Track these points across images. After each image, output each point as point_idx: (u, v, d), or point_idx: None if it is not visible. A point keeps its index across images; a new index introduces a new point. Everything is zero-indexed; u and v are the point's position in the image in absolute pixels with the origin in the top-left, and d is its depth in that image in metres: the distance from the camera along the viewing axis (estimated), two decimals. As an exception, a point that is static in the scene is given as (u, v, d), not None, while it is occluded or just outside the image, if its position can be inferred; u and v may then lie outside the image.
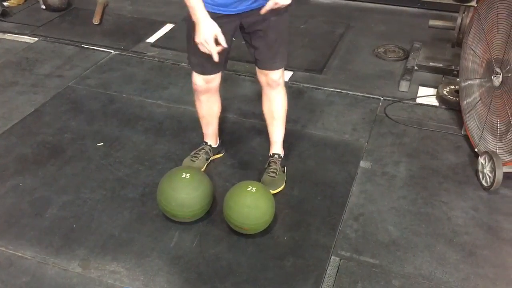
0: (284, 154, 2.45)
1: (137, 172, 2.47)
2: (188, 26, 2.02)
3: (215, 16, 1.89)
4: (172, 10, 4.19)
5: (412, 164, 2.51)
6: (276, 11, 1.90)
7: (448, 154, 2.58)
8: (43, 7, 4.18)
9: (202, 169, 2.43)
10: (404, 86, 3.09)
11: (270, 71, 2.17)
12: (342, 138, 2.71)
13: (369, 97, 3.06)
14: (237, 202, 2.05)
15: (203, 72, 2.14)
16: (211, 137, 2.50)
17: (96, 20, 3.98)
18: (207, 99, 2.30)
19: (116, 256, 2.02)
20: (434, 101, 3.00)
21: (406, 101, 3.01)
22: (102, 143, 2.66)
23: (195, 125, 2.61)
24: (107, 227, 2.16)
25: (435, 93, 3.03)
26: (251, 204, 2.03)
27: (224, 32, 1.95)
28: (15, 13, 4.15)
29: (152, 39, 3.77)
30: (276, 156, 2.41)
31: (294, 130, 2.74)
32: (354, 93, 3.10)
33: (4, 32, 3.85)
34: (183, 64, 3.39)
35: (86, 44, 3.69)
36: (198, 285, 1.90)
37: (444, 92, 2.97)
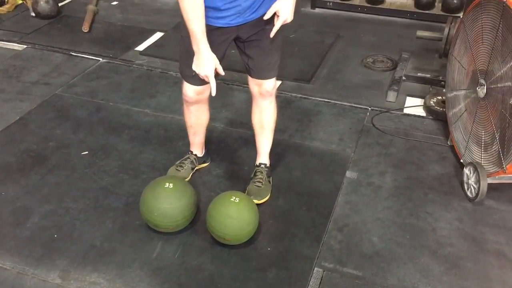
0: (270, 164, 2.44)
1: (121, 181, 2.45)
2: (184, 37, 1.98)
3: (212, 28, 1.88)
4: (162, 18, 4.19)
5: (398, 175, 2.51)
6: (272, 21, 1.90)
7: (434, 164, 2.57)
8: (33, 14, 4.17)
9: (187, 179, 2.42)
10: (391, 96, 3.10)
11: (263, 81, 2.15)
12: (329, 148, 2.70)
13: (356, 107, 3.06)
14: (220, 213, 2.03)
15: (196, 83, 2.12)
16: (198, 147, 2.48)
17: (85, 28, 3.97)
18: (197, 109, 2.29)
19: (97, 267, 1.99)
20: (421, 112, 3.00)
21: (393, 111, 3.01)
22: (86, 152, 2.64)
23: (182, 134, 2.60)
24: (89, 237, 2.13)
25: (423, 104, 3.04)
26: (234, 215, 2.01)
27: (219, 44, 1.95)
28: (4, 20, 4.14)
29: (141, 47, 3.76)
30: (262, 166, 2.40)
31: (281, 139, 2.73)
32: (341, 103, 3.10)
33: (-8, 39, 3.84)
34: (171, 72, 3.38)
35: (75, 51, 3.67)
36: (179, 296, 1.88)
37: (431, 102, 2.97)
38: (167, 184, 2.08)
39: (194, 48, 1.83)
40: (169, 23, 3.99)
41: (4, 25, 4.07)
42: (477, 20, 2.32)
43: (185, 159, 2.47)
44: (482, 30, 2.29)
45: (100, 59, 3.58)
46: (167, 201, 2.05)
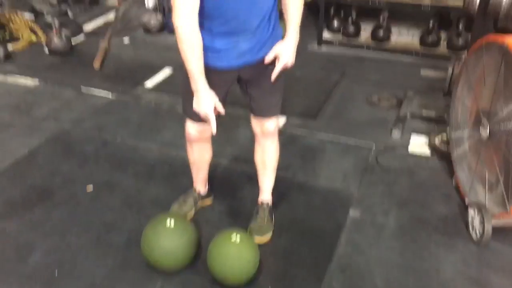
0: (273, 202, 2.44)
1: (124, 217, 2.45)
2: (185, 76, 2.02)
3: (212, 69, 1.91)
4: (171, 55, 4.29)
5: (402, 215, 2.48)
6: (273, 62, 1.94)
7: (438, 204, 2.55)
8: (47, 51, 4.29)
9: (190, 215, 2.42)
10: (396, 134, 3.10)
11: (265, 120, 2.17)
12: (332, 186, 2.70)
13: (361, 144, 3.07)
14: (220, 254, 2.02)
15: (197, 121, 2.13)
16: (201, 183, 2.49)
17: (96, 64, 4.07)
18: (199, 147, 2.31)
19: (96, 305, 1.98)
20: (426, 150, 2.99)
21: (398, 150, 3.01)
22: (91, 186, 2.66)
23: (186, 170, 2.61)
24: (89, 274, 2.13)
25: (427, 142, 3.03)
26: (235, 256, 2.00)
27: (220, 84, 1.98)
28: (19, 56, 4.26)
29: (150, 83, 3.83)
30: (264, 204, 2.40)
31: (284, 177, 2.73)
32: (346, 140, 3.11)
33: (7, 74, 3.94)
34: (178, 108, 3.43)
35: (86, 87, 3.75)
36: (177, 337, 1.85)
37: (436, 141, 2.97)
38: (168, 222, 2.08)
39: (193, 87, 1.87)
40: (178, 60, 4.06)
41: (19, 61, 4.18)
42: (479, 62, 2.34)
43: (188, 196, 2.48)
44: (484, 72, 2.30)
45: (110, 95, 3.66)
46: (168, 239, 2.04)
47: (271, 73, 1.98)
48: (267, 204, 2.39)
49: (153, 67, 4.08)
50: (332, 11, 4.50)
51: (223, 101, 2.08)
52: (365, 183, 2.72)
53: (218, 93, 1.93)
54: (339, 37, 4.46)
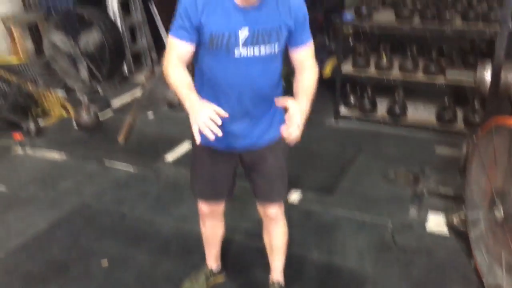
0: (285, 280, 2.41)
1: (137, 294, 2.46)
2: (193, 153, 2.12)
3: (215, 151, 1.98)
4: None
5: (418, 297, 2.42)
6: (274, 149, 1.97)
7: (456, 286, 2.47)
8: (75, 126, 4.50)
9: None
10: (413, 211, 3.08)
11: (267, 205, 2.18)
12: (347, 265, 2.66)
13: (377, 222, 3.04)
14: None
15: (206, 199, 2.20)
16: (213, 260, 2.50)
17: (121, 139, 4.24)
18: (212, 223, 2.34)
19: None
20: (444, 229, 2.94)
21: (415, 228, 2.97)
22: (106, 260, 2.69)
23: (200, 245, 2.62)
24: None
25: (445, 221, 2.99)
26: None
27: (225, 168, 2.04)
28: (49, 131, 4.47)
29: (170, 157, 3.95)
30: (275, 283, 2.38)
31: (298, 254, 2.71)
32: (362, 217, 3.09)
33: (36, 149, 4.12)
34: (196, 183, 3.50)
35: (109, 161, 3.89)
36: None
37: (454, 220, 2.92)
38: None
39: (187, 105, 1.70)
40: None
41: (49, 136, 4.39)
42: (490, 143, 2.36)
43: (200, 273, 2.48)
44: (495, 153, 2.32)
45: (131, 168, 3.77)
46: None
47: (273, 159, 2.00)
48: (278, 283, 2.37)
49: (174, 141, 4.21)
50: (348, 87, 4.62)
51: (231, 185, 2.13)
52: (381, 263, 2.67)
53: (222, 175, 1.98)
54: (355, 112, 4.55)
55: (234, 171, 2.13)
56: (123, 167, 3.80)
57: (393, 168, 3.67)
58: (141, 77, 5.66)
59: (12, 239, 2.93)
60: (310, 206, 3.22)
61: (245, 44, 1.77)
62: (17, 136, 4.26)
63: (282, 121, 1.79)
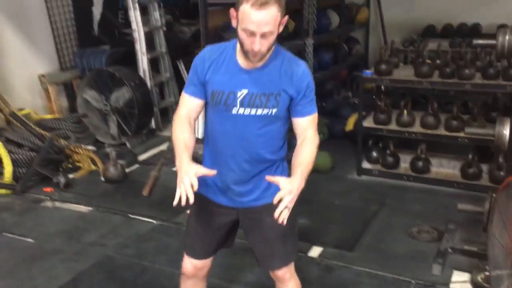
0: None
1: None
2: (191, 207, 2.09)
3: (212, 203, 2.03)
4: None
5: None
6: (271, 212, 1.78)
7: None
8: (103, 179, 4.64)
9: None
10: (436, 269, 3.01)
11: (271, 271, 2.14)
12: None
13: (399, 279, 2.98)
14: None
15: (194, 255, 2.19)
16: None
17: (145, 192, 4.33)
18: (192, 286, 2.28)
19: None
20: (469, 288, 2.87)
21: (438, 286, 2.89)
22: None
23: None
24: None
25: (470, 279, 2.91)
26: None
27: (219, 223, 2.06)
28: (77, 184, 4.61)
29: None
30: None
31: (317, 312, 2.67)
32: (384, 274, 3.04)
33: (64, 202, 4.25)
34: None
35: (133, 214, 3.97)
36: None
37: (479, 278, 2.85)
38: None
39: (177, 164, 1.81)
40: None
41: (77, 188, 4.52)
42: (510, 201, 2.33)
43: None
44: (515, 209, 2.28)
45: (154, 221, 3.84)
46: None
47: (271, 220, 1.78)
48: None
49: (198, 195, 4.28)
50: (370, 142, 4.65)
51: (222, 242, 2.14)
52: (403, 322, 2.60)
53: (215, 228, 2.05)
54: (378, 166, 4.55)
55: (229, 228, 2.12)
56: (146, 220, 3.87)
57: (416, 224, 3.62)
58: (167, 132, 5.85)
59: (35, 291, 2.99)
60: (330, 262, 3.19)
61: (242, 104, 1.87)
62: (47, 189, 4.41)
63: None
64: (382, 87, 4.54)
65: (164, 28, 6.37)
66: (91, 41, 6.26)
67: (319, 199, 4.11)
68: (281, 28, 1.83)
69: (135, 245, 3.50)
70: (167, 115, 6.39)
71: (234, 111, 1.88)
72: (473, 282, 2.86)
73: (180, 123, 1.93)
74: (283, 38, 5.90)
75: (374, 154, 4.62)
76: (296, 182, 1.79)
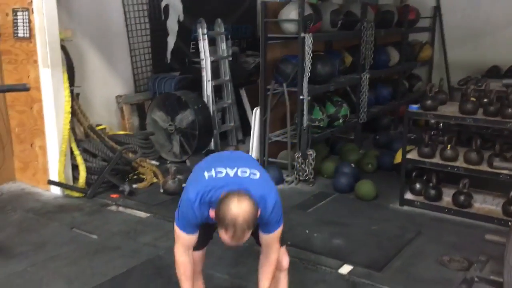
0: None
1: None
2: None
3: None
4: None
5: None
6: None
7: None
8: (162, 191, 5.12)
9: None
10: (460, 295, 3.13)
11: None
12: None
13: (422, 301, 3.13)
14: None
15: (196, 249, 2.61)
16: None
17: (198, 205, 4.74)
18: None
19: None
20: (490, 315, 2.96)
21: (459, 311, 3.02)
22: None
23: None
24: None
25: (491, 307, 3.00)
26: None
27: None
28: (139, 193, 5.12)
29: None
30: None
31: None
32: (408, 295, 3.20)
33: (126, 207, 4.76)
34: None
35: (185, 223, 4.37)
36: None
37: (500, 306, 2.94)
38: None
39: None
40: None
41: (139, 197, 5.03)
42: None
43: None
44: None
45: (203, 231, 4.21)
46: None
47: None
48: None
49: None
50: (414, 174, 4.80)
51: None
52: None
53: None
54: (421, 198, 4.68)
55: None
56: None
57: (449, 254, 3.73)
58: (225, 154, 6.29)
59: (95, 278, 3.44)
60: (358, 279, 3.40)
61: None
62: (114, 195, 4.96)
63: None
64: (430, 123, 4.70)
65: (230, 58, 6.94)
66: (164, 68, 6.92)
67: (357, 223, 4.32)
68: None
69: (183, 249, 3.89)
70: (226, 138, 6.87)
71: None
72: (494, 309, 2.95)
73: (180, 260, 2.50)
74: (340, 72, 6.24)
75: (418, 186, 4.76)
76: None
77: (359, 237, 4.06)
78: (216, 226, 2.28)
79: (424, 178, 4.78)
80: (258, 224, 2.35)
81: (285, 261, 2.61)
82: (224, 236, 2.16)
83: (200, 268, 2.79)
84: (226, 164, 2.33)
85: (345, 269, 3.53)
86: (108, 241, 4.02)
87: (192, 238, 2.40)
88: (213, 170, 2.30)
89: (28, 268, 3.57)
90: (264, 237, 2.40)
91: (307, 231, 4.14)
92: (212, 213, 2.21)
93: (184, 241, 2.42)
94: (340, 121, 6.02)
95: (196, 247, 2.57)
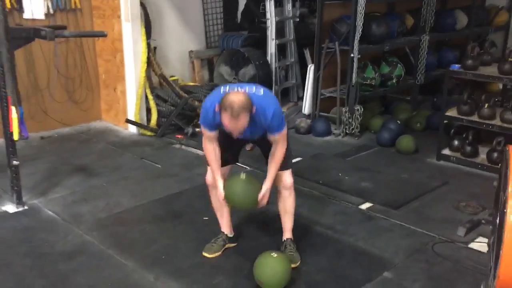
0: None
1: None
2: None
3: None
4: (307, 149, 5.32)
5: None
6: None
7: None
8: (221, 135, 5.78)
9: (219, 253, 3.23)
10: (461, 231, 3.48)
11: (281, 174, 3.06)
12: (382, 254, 3.25)
13: (425, 233, 3.52)
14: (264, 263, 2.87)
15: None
16: (226, 227, 3.30)
17: (248, 147, 5.33)
18: (215, 193, 3.16)
19: None
20: (484, 249, 3.28)
21: (458, 244, 3.37)
22: (207, 218, 3.74)
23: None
24: (180, 261, 3.14)
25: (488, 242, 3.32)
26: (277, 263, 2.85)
27: (234, 143, 3.04)
28: (199, 136, 5.81)
29: (282, 166, 4.89)
30: (289, 239, 3.15)
31: (347, 241, 3.39)
32: (415, 228, 3.60)
33: (188, 146, 5.48)
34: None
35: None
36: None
37: (495, 242, 3.25)
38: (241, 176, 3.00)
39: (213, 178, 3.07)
40: (309, 152, 5.12)
41: (198, 138, 5.73)
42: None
43: (218, 238, 3.29)
44: None
45: (248, 168, 4.82)
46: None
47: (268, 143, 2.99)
48: (291, 239, 3.14)
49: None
50: (452, 131, 5.02)
51: (238, 152, 3.23)
52: (412, 258, 3.21)
53: (234, 145, 3.05)
54: (457, 154, 4.91)
55: (240, 146, 3.26)
56: (243, 166, 4.88)
57: (468, 202, 4.02)
58: (284, 109, 6.81)
59: (154, 195, 4.19)
60: (374, 214, 3.84)
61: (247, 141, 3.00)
62: (179, 136, 5.71)
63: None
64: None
65: (297, 19, 7.34)
66: (234, 27, 7.49)
67: (389, 172, 4.70)
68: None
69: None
70: (287, 95, 7.35)
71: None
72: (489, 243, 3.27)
73: (208, 148, 3.02)
74: (398, 33, 6.42)
75: (456, 142, 4.99)
76: (269, 177, 2.99)
77: (387, 182, 4.45)
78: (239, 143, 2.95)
79: (463, 136, 4.98)
80: (266, 133, 2.92)
81: (289, 180, 3.09)
82: (225, 117, 2.68)
83: (227, 208, 3.30)
84: (240, 86, 2.89)
85: (365, 206, 3.98)
86: (168, 169, 4.77)
87: (212, 134, 2.95)
88: (228, 86, 2.88)
89: (104, 183, 4.42)
90: (271, 137, 2.92)
91: (339, 174, 4.60)
92: (217, 106, 2.74)
93: (207, 135, 2.97)
94: (394, 81, 6.27)
95: (222, 164, 3.13)
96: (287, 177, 3.09)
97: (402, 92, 7.00)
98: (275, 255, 2.86)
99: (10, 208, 3.85)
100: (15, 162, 3.79)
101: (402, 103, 6.68)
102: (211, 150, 3.01)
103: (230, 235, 3.35)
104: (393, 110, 6.44)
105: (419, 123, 6.01)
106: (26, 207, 3.87)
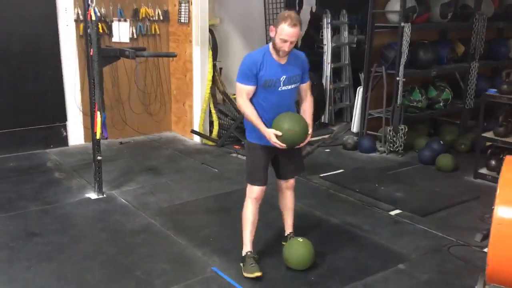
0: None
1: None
2: (252, 154, 3.37)
3: (265, 147, 3.26)
4: (349, 162, 5.78)
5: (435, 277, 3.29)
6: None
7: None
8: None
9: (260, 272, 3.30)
10: (478, 237, 3.80)
11: (289, 178, 3.48)
12: (396, 249, 3.67)
13: (445, 237, 3.89)
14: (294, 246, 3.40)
15: (262, 183, 3.33)
16: (250, 244, 3.39)
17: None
18: (256, 207, 3.39)
19: (219, 254, 3.57)
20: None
21: (473, 247, 3.71)
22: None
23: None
24: (224, 243, 3.75)
25: None
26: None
27: (269, 158, 3.36)
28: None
29: (323, 174, 5.39)
30: (292, 233, 3.58)
31: (370, 239, 3.85)
32: (436, 232, 3.97)
33: (244, 155, 6.08)
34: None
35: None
36: None
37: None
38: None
39: (261, 130, 3.15)
40: (351, 165, 5.58)
41: (255, 150, 6.40)
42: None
43: (251, 258, 3.33)
44: None
45: (295, 176, 5.37)
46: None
47: (293, 151, 3.33)
48: (293, 234, 3.58)
49: (333, 168, 5.64)
50: (489, 151, 5.28)
51: (267, 165, 3.41)
52: (425, 255, 3.61)
53: (266, 159, 3.33)
54: (494, 174, 5.16)
55: (271, 158, 3.39)
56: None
57: (494, 214, 4.31)
58: (335, 128, 7.31)
59: (209, 192, 4.86)
60: (400, 219, 4.25)
61: (284, 84, 3.20)
62: (237, 146, 6.39)
63: None
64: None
65: (354, 45, 7.88)
66: (294, 51, 8.15)
67: (424, 185, 5.06)
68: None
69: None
70: (341, 115, 7.85)
71: (279, 89, 3.22)
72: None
73: (247, 105, 3.19)
74: (449, 59, 6.76)
75: (493, 162, 5.25)
76: (311, 129, 3.31)
77: (420, 194, 4.82)
78: (271, 152, 3.34)
79: (501, 156, 5.23)
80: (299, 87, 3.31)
81: (293, 181, 3.53)
82: (284, 26, 3.00)
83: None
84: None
85: (395, 212, 4.40)
86: (224, 173, 5.44)
87: (250, 88, 3.15)
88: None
89: (169, 181, 5.16)
90: (303, 86, 3.34)
91: (376, 185, 5.03)
92: (272, 28, 3.10)
93: (246, 90, 3.15)
94: (441, 104, 6.60)
95: (261, 181, 3.33)
96: (293, 180, 3.54)
97: (452, 116, 7.26)
98: (301, 239, 3.40)
99: (92, 195, 4.68)
100: (98, 158, 4.63)
101: (450, 126, 6.95)
102: (250, 105, 3.18)
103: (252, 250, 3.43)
104: (440, 132, 6.74)
105: (463, 144, 6.28)
106: (105, 195, 4.68)
